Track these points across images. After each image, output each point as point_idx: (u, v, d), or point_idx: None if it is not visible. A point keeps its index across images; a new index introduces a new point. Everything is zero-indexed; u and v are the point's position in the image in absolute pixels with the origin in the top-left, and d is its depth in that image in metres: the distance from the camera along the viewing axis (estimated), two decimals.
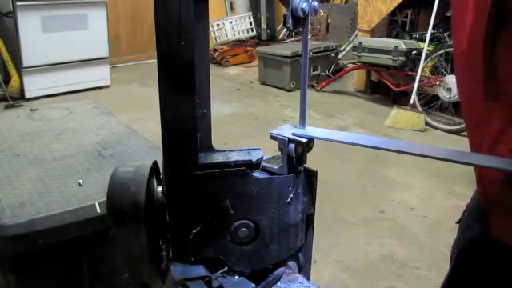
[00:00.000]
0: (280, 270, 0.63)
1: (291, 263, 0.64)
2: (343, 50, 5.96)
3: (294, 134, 0.60)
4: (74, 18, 4.75)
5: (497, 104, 0.63)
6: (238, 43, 6.84)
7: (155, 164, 0.63)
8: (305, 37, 0.59)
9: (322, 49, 5.42)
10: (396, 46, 4.29)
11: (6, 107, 4.43)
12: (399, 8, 4.85)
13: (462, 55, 0.68)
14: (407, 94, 4.44)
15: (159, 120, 0.57)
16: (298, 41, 6.71)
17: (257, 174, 0.60)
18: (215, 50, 6.52)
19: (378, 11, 4.71)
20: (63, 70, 4.83)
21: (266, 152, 0.64)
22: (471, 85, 0.68)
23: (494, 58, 0.60)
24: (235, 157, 0.61)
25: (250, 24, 6.88)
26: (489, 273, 0.78)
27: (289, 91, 5.23)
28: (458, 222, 0.90)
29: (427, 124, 4.11)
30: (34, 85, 4.67)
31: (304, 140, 0.59)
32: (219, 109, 4.56)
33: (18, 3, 4.33)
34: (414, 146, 0.58)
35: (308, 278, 0.67)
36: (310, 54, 4.96)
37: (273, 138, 0.61)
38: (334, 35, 6.66)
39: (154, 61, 0.56)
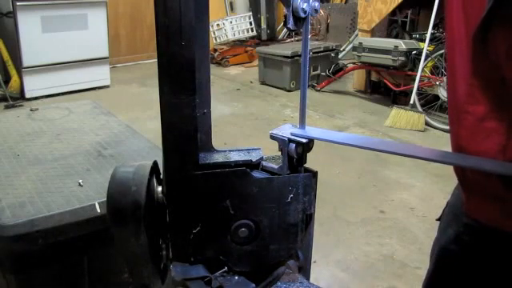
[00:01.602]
0: (280, 269, 0.63)
1: (291, 263, 0.64)
2: (343, 49, 5.96)
3: (293, 134, 0.60)
4: (74, 18, 4.74)
5: (484, 82, 0.64)
6: (238, 43, 6.84)
7: (155, 164, 0.63)
8: (305, 37, 0.59)
9: (322, 49, 5.41)
10: (396, 46, 4.28)
11: (6, 107, 4.42)
12: (399, 8, 4.85)
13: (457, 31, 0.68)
14: (407, 94, 4.44)
15: (159, 120, 0.57)
16: (298, 41, 6.71)
17: (257, 174, 0.60)
18: (215, 50, 6.52)
19: (378, 11, 4.71)
20: (63, 69, 4.82)
21: (266, 152, 0.64)
22: (460, 63, 0.68)
23: (488, 35, 0.60)
24: (235, 157, 0.61)
25: (250, 24, 6.88)
26: (470, 269, 0.79)
27: (289, 91, 5.23)
28: (438, 219, 0.90)
29: (427, 124, 4.11)
30: (33, 85, 4.66)
31: (304, 140, 0.59)
32: (219, 109, 4.56)
33: (18, 3, 4.33)
34: (413, 148, 0.58)
35: (308, 278, 0.67)
36: (310, 54, 4.96)
37: (273, 138, 0.61)
38: (334, 35, 6.66)
39: (154, 61, 0.56)
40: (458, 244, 0.81)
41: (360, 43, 4.58)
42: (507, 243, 0.71)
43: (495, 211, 0.70)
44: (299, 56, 4.62)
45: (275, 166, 0.61)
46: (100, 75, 5.15)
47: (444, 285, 0.87)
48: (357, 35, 5.34)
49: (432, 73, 4.21)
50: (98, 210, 1.16)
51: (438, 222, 0.91)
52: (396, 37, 5.08)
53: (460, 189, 0.77)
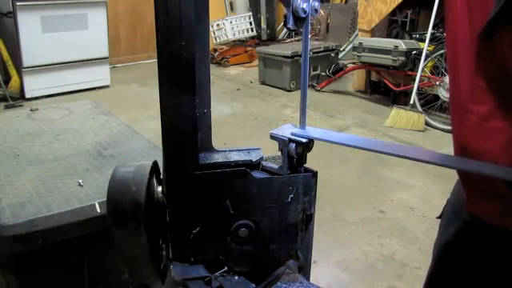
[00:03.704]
0: (280, 269, 0.63)
1: (291, 263, 0.64)
2: (343, 49, 5.96)
3: (293, 134, 0.60)
4: (74, 18, 4.74)
5: (489, 81, 0.64)
6: (238, 43, 6.84)
7: (155, 164, 0.63)
8: (305, 37, 0.59)
9: (322, 49, 5.41)
10: (396, 46, 4.28)
11: (6, 107, 4.42)
12: (399, 8, 4.85)
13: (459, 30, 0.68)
14: (407, 94, 4.44)
15: (159, 120, 0.57)
16: (298, 41, 6.71)
17: (257, 174, 0.60)
18: (215, 50, 6.52)
19: (378, 11, 4.71)
20: (63, 69, 4.82)
21: (266, 152, 0.64)
22: (463, 62, 0.68)
23: (494, 36, 0.60)
24: (235, 157, 0.61)
25: (250, 24, 6.88)
26: (471, 265, 0.79)
27: (289, 91, 5.23)
28: (439, 217, 0.90)
29: (427, 124, 4.11)
30: (33, 85, 4.67)
31: (304, 140, 0.59)
32: (219, 109, 4.56)
33: (18, 3, 4.33)
34: (413, 150, 0.58)
35: (308, 278, 0.67)
36: (310, 54, 4.95)
37: (273, 138, 0.61)
38: (334, 35, 6.66)
39: (154, 61, 0.56)
40: (459, 241, 0.81)
41: (360, 43, 4.58)
42: (508, 241, 0.71)
43: (496, 209, 0.70)
44: (299, 56, 4.62)
45: (275, 166, 0.61)
46: (100, 75, 5.15)
47: (445, 282, 0.87)
48: (357, 35, 5.34)
49: (432, 73, 4.21)
50: (98, 210, 1.16)
51: (439, 220, 0.91)
52: (396, 37, 5.08)
53: (461, 187, 0.77)
